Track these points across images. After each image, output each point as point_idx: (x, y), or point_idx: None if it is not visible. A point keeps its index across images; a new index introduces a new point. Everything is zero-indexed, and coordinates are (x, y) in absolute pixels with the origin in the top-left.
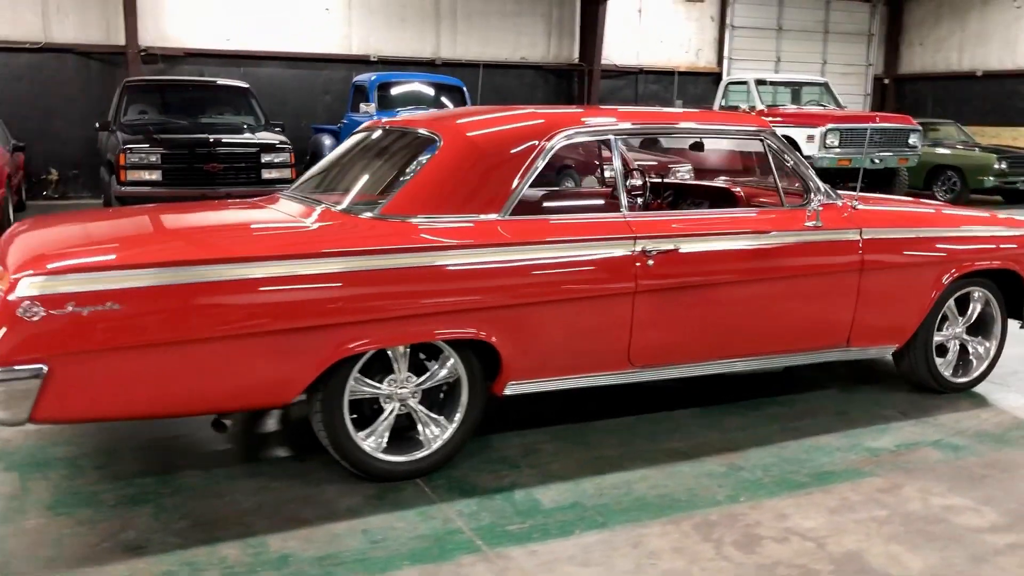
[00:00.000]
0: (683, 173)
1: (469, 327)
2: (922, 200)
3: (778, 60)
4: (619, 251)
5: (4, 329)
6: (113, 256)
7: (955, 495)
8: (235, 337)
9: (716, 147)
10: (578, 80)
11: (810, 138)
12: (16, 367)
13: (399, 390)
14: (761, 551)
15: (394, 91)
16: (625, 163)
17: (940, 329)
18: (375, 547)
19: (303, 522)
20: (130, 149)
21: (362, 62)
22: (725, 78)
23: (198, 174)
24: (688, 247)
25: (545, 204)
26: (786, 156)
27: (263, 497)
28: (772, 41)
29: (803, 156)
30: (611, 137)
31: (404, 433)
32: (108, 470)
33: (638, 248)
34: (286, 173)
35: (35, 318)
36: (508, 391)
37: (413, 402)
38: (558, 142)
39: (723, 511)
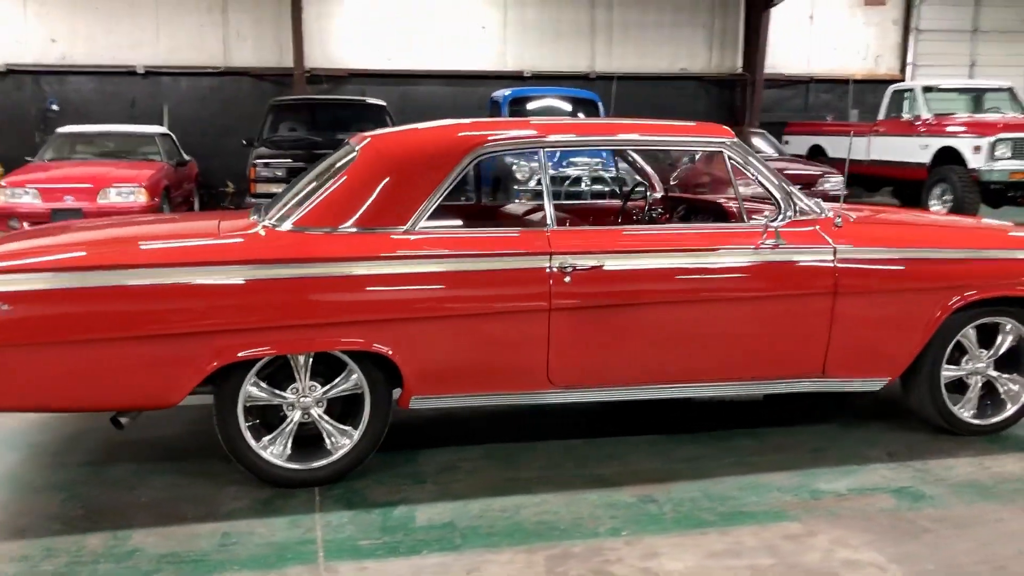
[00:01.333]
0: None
1: (359, 339)
2: (944, 218)
3: (972, 65)
4: (531, 266)
5: None
6: (9, 262)
7: (870, 549)
8: (116, 340)
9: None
10: (741, 91)
11: (976, 149)
12: None
13: (302, 399)
14: None
15: (527, 106)
16: (645, 176)
17: (957, 363)
18: (221, 550)
19: (178, 520)
20: (259, 163)
21: (516, 78)
22: (892, 86)
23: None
24: (615, 264)
25: (467, 217)
26: (751, 168)
27: (165, 493)
28: (966, 44)
29: (968, 169)
30: (539, 150)
31: (319, 442)
32: (60, 456)
33: (555, 264)
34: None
35: None
36: (413, 405)
37: (316, 411)
38: (473, 156)
39: (593, 544)
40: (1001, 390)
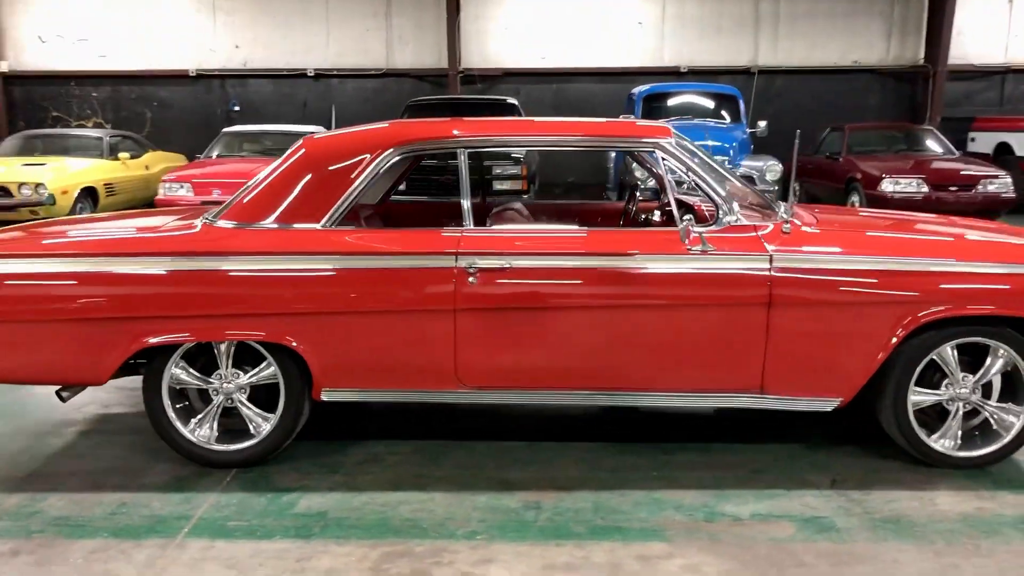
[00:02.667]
0: None
1: (263, 331)
2: (925, 222)
3: None
4: (437, 266)
5: None
6: None
7: None
8: (50, 321)
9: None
10: (922, 84)
11: None
12: None
13: (224, 385)
14: None
15: (662, 102)
16: (659, 180)
17: (936, 387)
18: (107, 518)
19: (96, 488)
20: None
21: (672, 73)
22: None
23: (434, 185)
24: (522, 266)
25: (387, 216)
26: (688, 170)
27: (105, 464)
28: None
29: None
30: (458, 150)
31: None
32: (36, 425)
33: (460, 264)
34: (517, 185)
35: None
36: (324, 397)
37: (239, 397)
38: (389, 157)
39: (439, 545)
40: (993, 419)
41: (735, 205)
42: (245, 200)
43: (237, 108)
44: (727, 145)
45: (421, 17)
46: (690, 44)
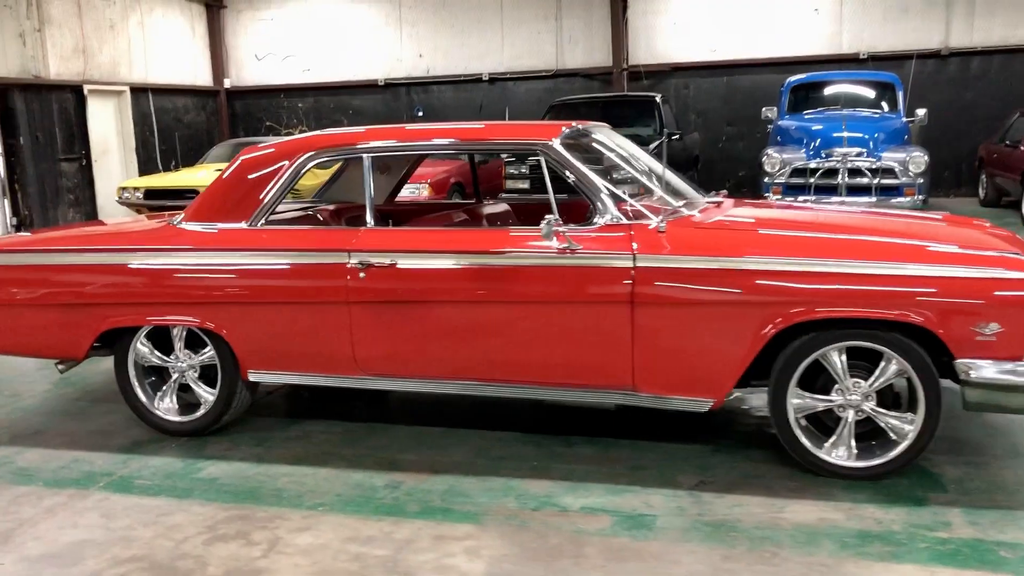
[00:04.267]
0: None
1: (192, 317)
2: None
3: None
4: (333, 262)
5: None
6: None
7: (488, 561)
8: (31, 306)
9: None
10: None
11: None
12: None
13: (178, 364)
14: (214, 550)
15: (811, 93)
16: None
17: (827, 391)
18: (56, 470)
19: (71, 446)
20: (509, 162)
21: (852, 60)
22: None
23: (554, 184)
24: (406, 263)
25: (309, 215)
26: (568, 171)
27: (94, 426)
28: None
29: None
30: (363, 156)
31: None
32: (60, 397)
33: (353, 261)
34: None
35: None
36: (251, 378)
37: (191, 375)
38: (305, 162)
39: (279, 513)
40: (887, 427)
41: (610, 205)
42: (196, 203)
43: (421, 113)
44: (865, 136)
45: (590, 17)
46: (871, 28)
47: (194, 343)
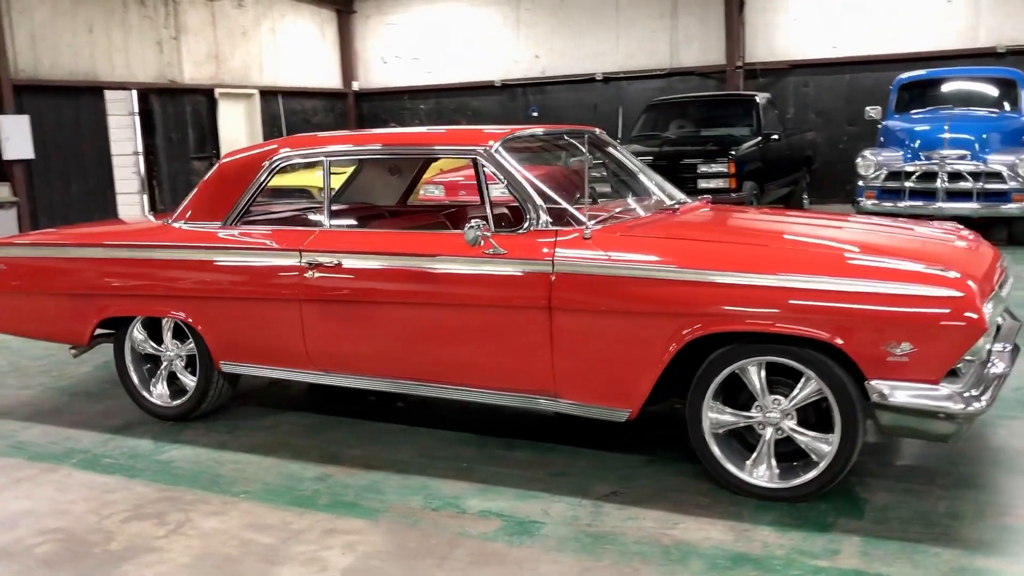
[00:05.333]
0: None
1: (172, 310)
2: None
3: None
4: (287, 262)
5: None
6: (6, 239)
7: (377, 559)
8: (48, 293)
9: None
10: None
11: None
12: None
13: (167, 352)
14: (128, 527)
15: (923, 91)
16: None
17: (746, 408)
18: (42, 447)
19: (71, 424)
20: (580, 161)
21: (989, 55)
22: None
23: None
24: (350, 264)
25: (280, 216)
26: (501, 176)
27: (97, 408)
28: None
29: None
30: (323, 160)
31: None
32: (79, 378)
33: (304, 260)
34: (720, 183)
35: None
36: (224, 369)
37: (178, 364)
38: (273, 165)
39: (204, 497)
40: (807, 447)
41: (540, 211)
42: (185, 204)
43: (536, 113)
44: (971, 137)
45: (706, 15)
46: (1015, 18)
47: (182, 334)
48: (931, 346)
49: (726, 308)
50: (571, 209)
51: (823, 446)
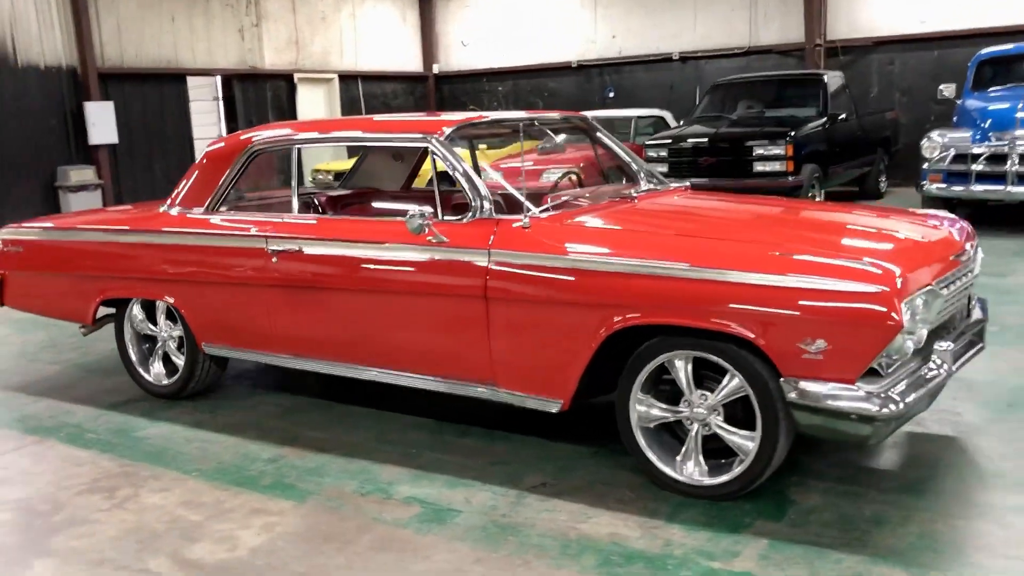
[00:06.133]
0: None
1: (156, 292)
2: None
3: None
4: (254, 247)
5: None
6: (23, 224)
7: (285, 540)
8: (56, 274)
9: None
10: None
11: None
12: None
13: (161, 333)
14: (79, 499)
15: (1005, 67)
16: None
17: (674, 401)
18: (39, 419)
19: (73, 400)
20: (648, 144)
21: None
22: None
23: (694, 167)
24: (308, 250)
25: (255, 203)
26: (451, 165)
27: (96, 383)
28: None
29: None
30: (292, 147)
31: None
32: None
33: (269, 247)
34: (777, 166)
35: None
36: (205, 350)
37: (171, 344)
38: (249, 153)
39: (159, 473)
40: (732, 444)
41: (483, 200)
42: (176, 190)
43: (612, 94)
44: None
45: None
46: None
47: (174, 316)
48: (845, 344)
49: (643, 301)
50: (519, 198)
51: (748, 444)
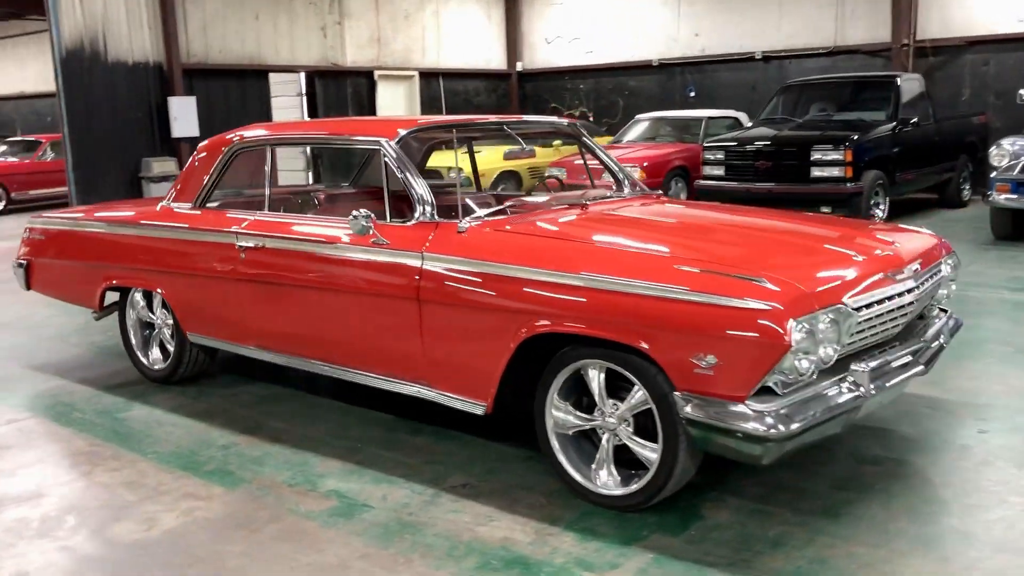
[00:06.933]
0: None
1: (148, 282)
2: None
3: None
4: (224, 241)
5: (21, 248)
6: (45, 214)
7: (199, 524)
8: (67, 260)
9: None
10: None
11: None
12: (17, 262)
13: (157, 321)
14: (32, 471)
15: None
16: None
17: (589, 410)
18: (40, 398)
19: (80, 381)
20: (706, 147)
21: None
22: None
23: (750, 171)
24: (272, 246)
25: (240, 200)
26: (399, 169)
27: (109, 366)
28: None
29: None
30: (266, 147)
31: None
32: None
33: (238, 243)
34: (836, 172)
35: (24, 240)
36: (190, 339)
37: (165, 332)
38: (232, 151)
39: (121, 454)
40: (640, 455)
41: (425, 205)
42: (174, 185)
43: (693, 94)
44: None
45: None
46: None
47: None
48: (734, 361)
49: (552, 309)
50: (474, 204)
51: (653, 456)
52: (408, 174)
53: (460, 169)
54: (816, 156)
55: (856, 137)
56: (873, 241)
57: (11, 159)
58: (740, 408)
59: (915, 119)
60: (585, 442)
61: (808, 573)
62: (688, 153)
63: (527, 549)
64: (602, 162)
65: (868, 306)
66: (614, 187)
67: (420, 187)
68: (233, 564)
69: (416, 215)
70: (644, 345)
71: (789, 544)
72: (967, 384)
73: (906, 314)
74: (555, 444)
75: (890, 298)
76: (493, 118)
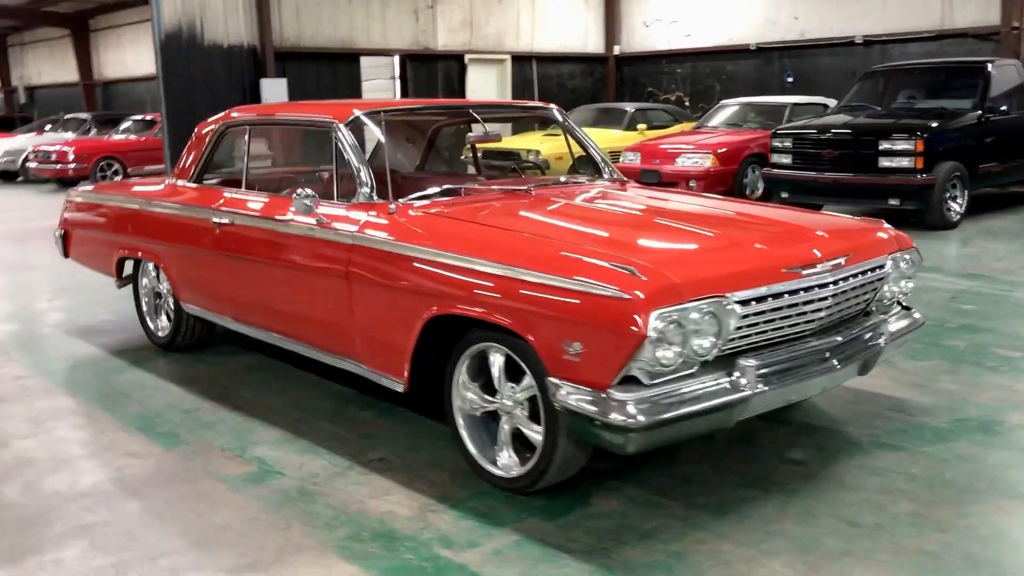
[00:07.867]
0: None
1: (151, 254)
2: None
3: None
4: (204, 217)
5: (61, 218)
6: (88, 185)
7: (129, 480)
8: (93, 231)
9: None
10: None
11: None
12: (58, 232)
13: (162, 289)
14: (8, 425)
15: None
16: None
17: (493, 392)
18: (55, 360)
19: (92, 340)
20: (774, 134)
21: None
22: None
23: (818, 160)
24: (240, 222)
25: (234, 178)
26: (348, 151)
27: (126, 335)
28: None
29: None
30: (247, 128)
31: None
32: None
33: (214, 219)
34: (905, 162)
35: (64, 211)
36: (185, 309)
37: (170, 301)
38: (221, 131)
39: (95, 413)
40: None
41: (366, 186)
42: (179, 162)
43: (791, 79)
44: None
45: None
46: None
47: None
48: (596, 349)
49: (449, 291)
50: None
51: (537, 436)
52: (353, 155)
53: (538, 152)
54: (885, 146)
55: (935, 126)
56: (797, 235)
57: (131, 136)
58: (602, 396)
59: (1005, 107)
60: (493, 424)
61: (661, 566)
62: (755, 141)
63: (402, 523)
64: (583, 147)
65: (759, 300)
66: (593, 174)
67: (362, 168)
68: (127, 519)
69: (356, 196)
70: (526, 330)
71: (659, 537)
72: (950, 388)
73: (822, 310)
74: (460, 423)
75: (793, 292)
76: (459, 102)
